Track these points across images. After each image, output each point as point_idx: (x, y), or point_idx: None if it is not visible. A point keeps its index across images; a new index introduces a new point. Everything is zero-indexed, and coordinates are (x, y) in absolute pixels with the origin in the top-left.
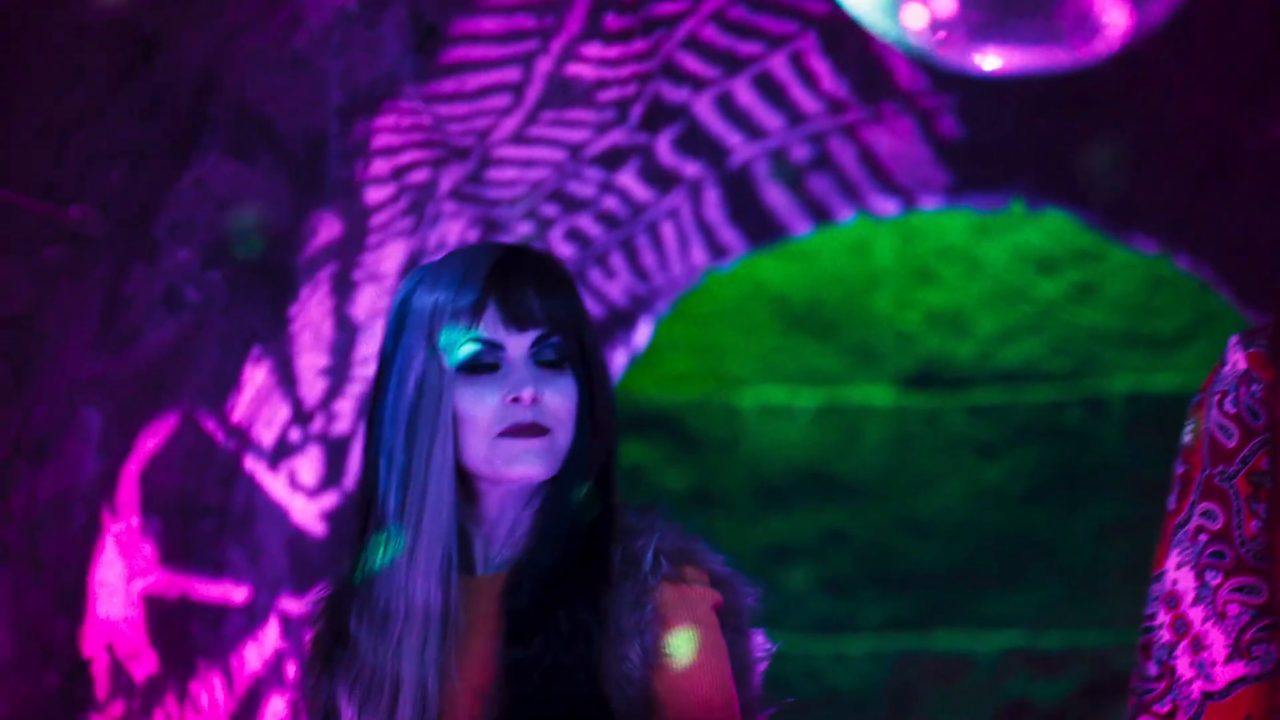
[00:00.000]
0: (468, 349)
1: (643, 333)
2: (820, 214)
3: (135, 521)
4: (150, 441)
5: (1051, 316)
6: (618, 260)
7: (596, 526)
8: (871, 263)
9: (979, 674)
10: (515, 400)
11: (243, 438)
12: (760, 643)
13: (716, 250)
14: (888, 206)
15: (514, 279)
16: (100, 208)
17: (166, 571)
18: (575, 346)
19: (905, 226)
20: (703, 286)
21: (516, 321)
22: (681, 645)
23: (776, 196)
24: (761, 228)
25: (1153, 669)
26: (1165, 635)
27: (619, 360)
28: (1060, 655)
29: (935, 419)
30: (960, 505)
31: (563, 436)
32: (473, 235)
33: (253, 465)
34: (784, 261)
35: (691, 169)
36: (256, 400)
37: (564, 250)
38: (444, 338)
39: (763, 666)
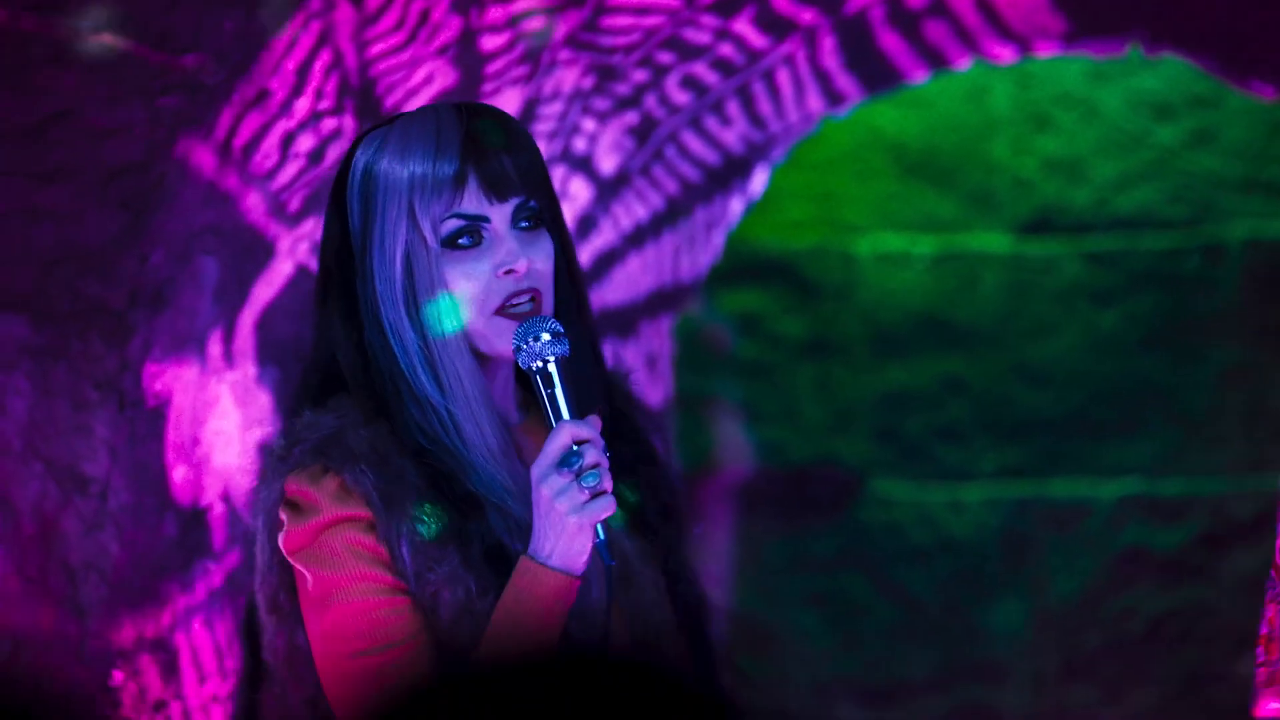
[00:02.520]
0: (452, 225)
1: (759, 180)
2: (937, 61)
3: (251, 370)
4: (266, 290)
5: (1168, 163)
6: (734, 108)
7: (600, 369)
8: (988, 109)
9: (1095, 521)
10: (509, 273)
11: None
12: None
13: (833, 97)
14: (1004, 53)
15: (488, 146)
16: (215, 56)
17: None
18: (545, 204)
19: (1022, 73)
20: (819, 133)
21: (498, 191)
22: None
23: (893, 43)
24: (878, 75)
25: None
26: None
27: (735, 208)
28: (1178, 502)
29: (1052, 266)
30: (1077, 352)
31: (548, 298)
32: (587, 83)
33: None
34: (901, 108)
35: (807, 15)
36: None
37: (679, 98)
38: (426, 213)
39: None
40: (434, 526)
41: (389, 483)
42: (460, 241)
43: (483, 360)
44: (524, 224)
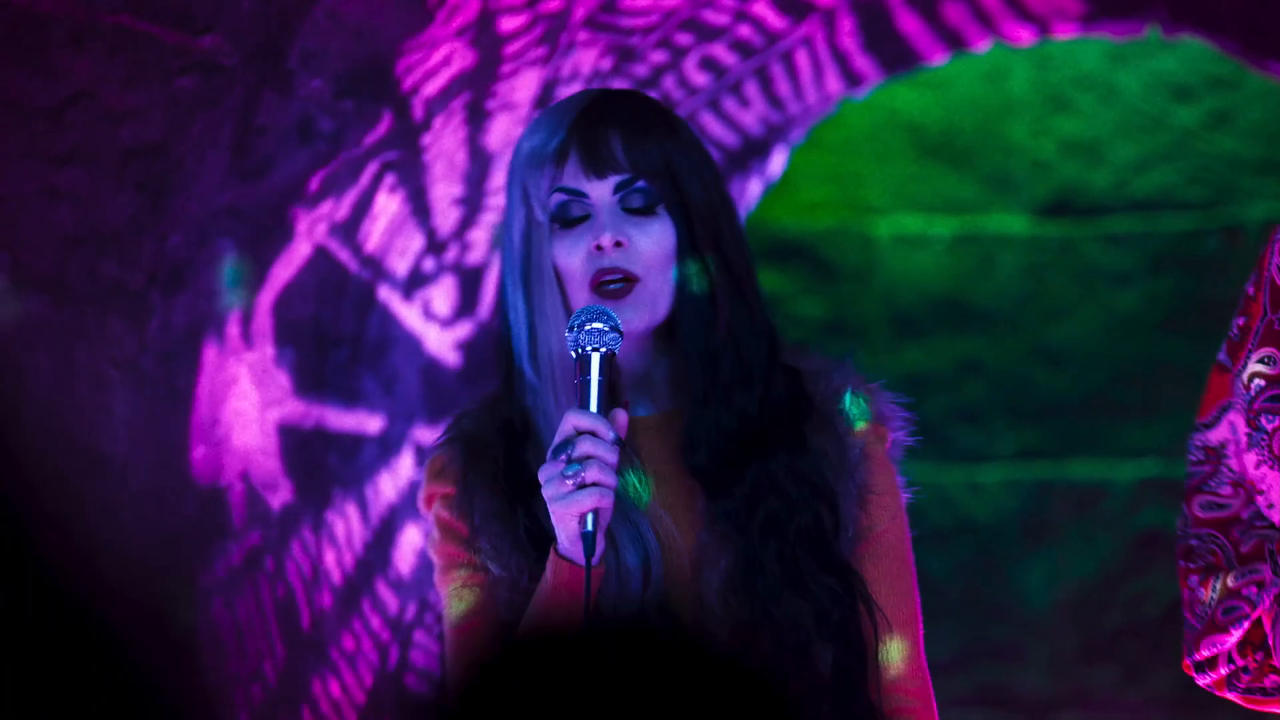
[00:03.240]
0: (556, 199)
1: (777, 161)
2: (956, 42)
3: (270, 351)
4: (284, 271)
5: (1187, 145)
6: (752, 89)
7: (766, 370)
8: (1007, 91)
9: (1114, 503)
10: (599, 248)
11: (376, 267)
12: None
13: (851, 79)
14: (1023, 34)
15: (598, 124)
16: (232, 37)
17: (301, 401)
18: (668, 188)
19: (1041, 55)
20: (837, 114)
21: (595, 168)
22: (882, 483)
23: (912, 24)
24: (897, 56)
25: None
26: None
27: (753, 189)
28: None
29: (1070, 248)
30: (1095, 334)
31: (656, 282)
32: (606, 64)
33: (386, 295)
34: (919, 90)
35: None
36: (390, 230)
37: (698, 79)
38: (535, 188)
39: (905, 495)
40: (502, 507)
41: (473, 461)
42: (567, 216)
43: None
44: (635, 204)
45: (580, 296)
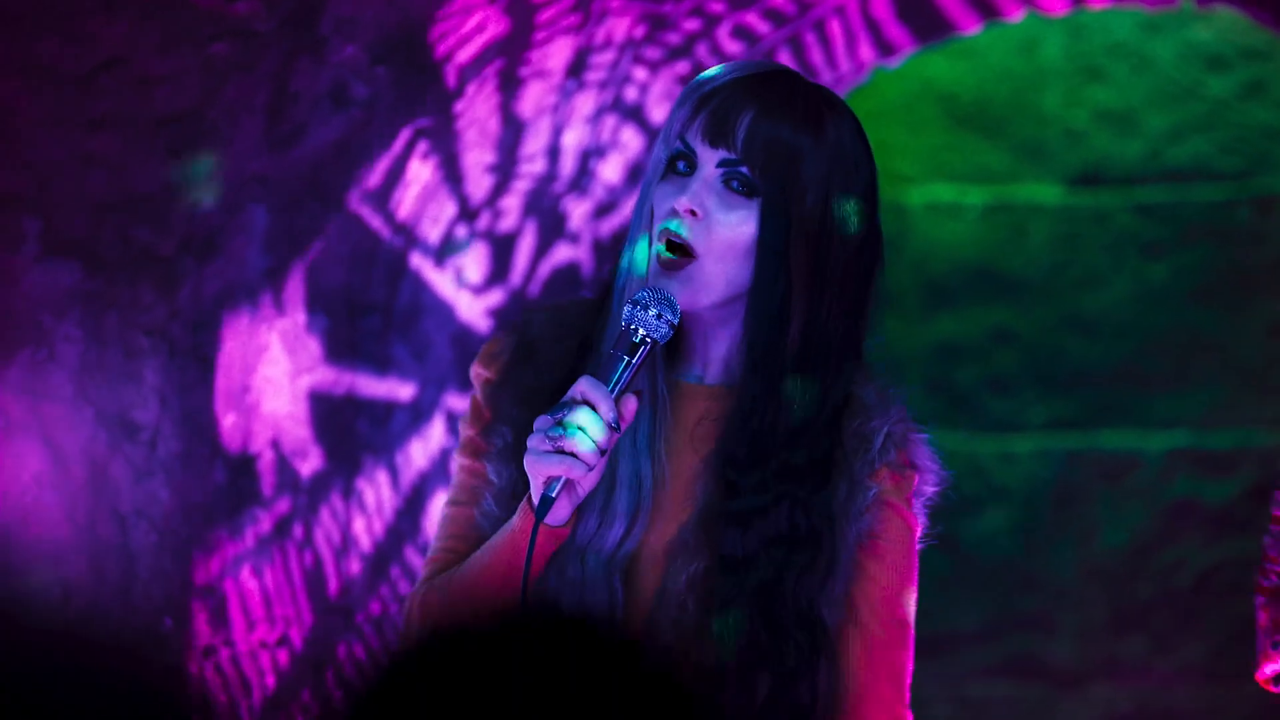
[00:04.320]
0: (674, 146)
1: None
2: (989, 12)
3: (301, 318)
4: (316, 238)
5: (1220, 115)
6: (785, 57)
7: (832, 393)
8: (1039, 61)
9: (1145, 473)
10: (674, 211)
11: (408, 235)
12: (923, 524)
13: (884, 48)
14: (1056, 4)
15: (740, 95)
16: (266, 3)
17: (332, 368)
18: (772, 185)
19: (1074, 24)
20: (870, 84)
21: (710, 136)
22: (890, 533)
23: None
24: (930, 25)
25: None
26: None
27: None
28: (1228, 454)
29: (1103, 217)
30: (1127, 304)
31: (714, 266)
32: (639, 32)
33: (418, 262)
34: (952, 59)
35: None
36: (422, 197)
37: (731, 47)
38: (668, 135)
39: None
40: (523, 417)
41: (520, 360)
42: (675, 167)
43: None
44: (734, 185)
45: (652, 245)
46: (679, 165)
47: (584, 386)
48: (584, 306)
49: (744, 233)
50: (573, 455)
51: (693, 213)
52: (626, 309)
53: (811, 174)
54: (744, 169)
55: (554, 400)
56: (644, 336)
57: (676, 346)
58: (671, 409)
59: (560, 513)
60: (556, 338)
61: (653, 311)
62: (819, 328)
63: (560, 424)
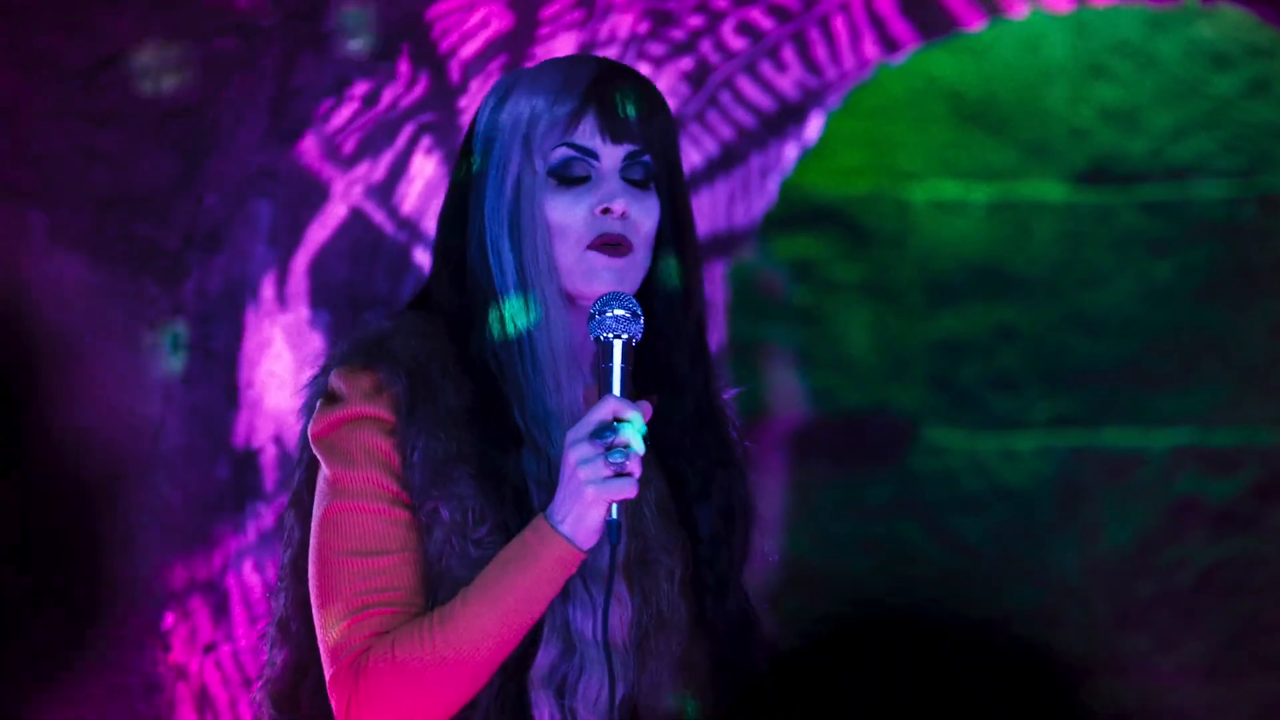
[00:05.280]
0: (561, 153)
1: (814, 126)
2: (994, 8)
3: (305, 313)
4: (320, 233)
5: (1224, 113)
6: (789, 53)
7: (712, 365)
8: (1045, 58)
9: (1149, 471)
10: (605, 211)
11: (412, 230)
12: None
13: (889, 44)
14: (1062, 1)
15: (615, 91)
16: None
17: None
18: (663, 170)
19: (1078, 21)
20: (875, 80)
21: (612, 132)
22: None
23: None
24: (934, 22)
25: None
26: None
27: (790, 154)
28: (1231, 452)
29: (1107, 215)
30: (1131, 301)
31: (643, 256)
32: (643, 28)
33: (422, 257)
34: (956, 56)
35: None
36: (426, 192)
37: (735, 43)
38: (539, 142)
39: None
40: (452, 448)
41: (420, 393)
42: (568, 174)
43: (571, 301)
44: (635, 176)
45: (572, 254)
46: (573, 171)
47: (615, 406)
48: (426, 320)
49: (653, 223)
50: (629, 475)
51: (625, 213)
52: (591, 325)
53: (679, 158)
54: (646, 158)
55: (467, 422)
56: (628, 340)
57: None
58: (591, 403)
59: (596, 535)
60: (429, 357)
61: (617, 312)
62: (703, 306)
63: (612, 448)
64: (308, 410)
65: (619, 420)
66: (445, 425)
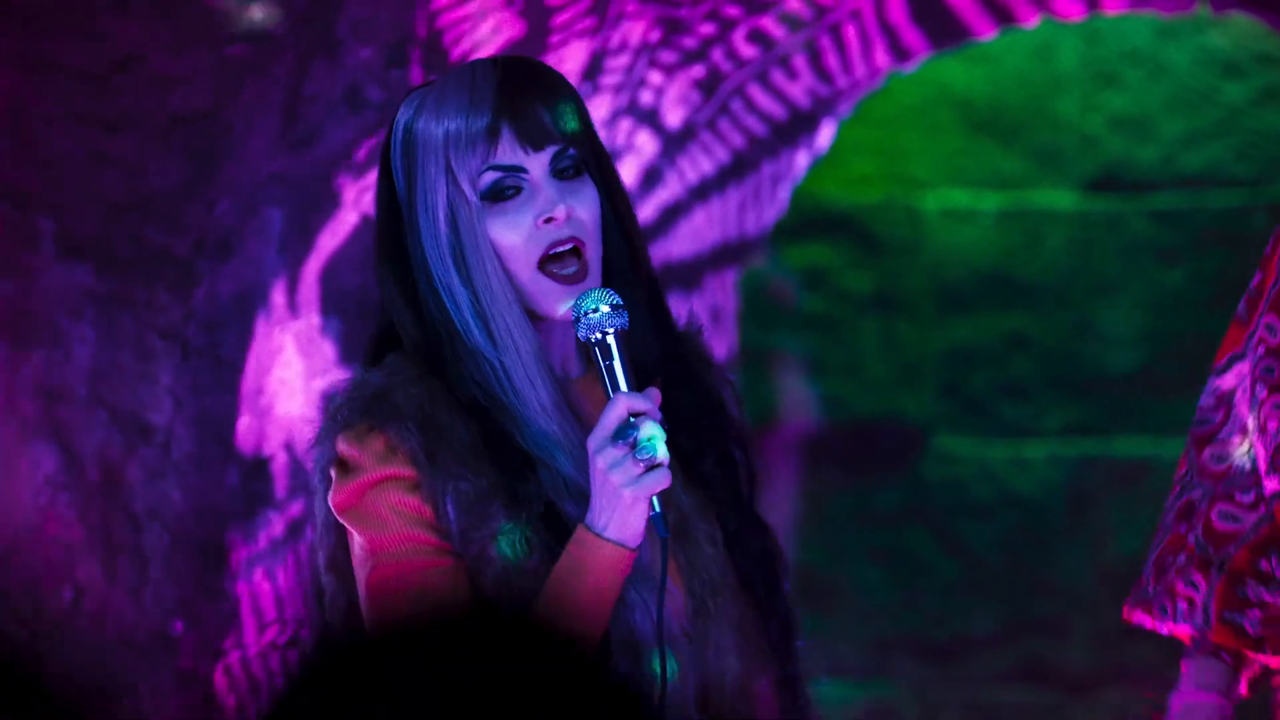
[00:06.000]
0: (489, 177)
1: (825, 134)
2: (1005, 17)
3: (315, 320)
4: (331, 240)
5: (1235, 121)
6: (800, 62)
7: (670, 319)
8: (1055, 66)
9: (1159, 479)
10: (548, 221)
11: None
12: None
13: (900, 53)
14: (1073, 10)
15: (521, 96)
16: (282, 5)
17: (346, 371)
18: (588, 152)
19: (1089, 30)
20: (885, 89)
21: (532, 141)
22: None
23: None
24: (945, 30)
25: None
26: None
27: (801, 162)
28: None
29: (1118, 223)
30: (1142, 310)
31: (593, 247)
32: (654, 36)
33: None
34: (967, 64)
35: None
36: None
37: (747, 51)
38: (463, 168)
39: None
40: (482, 484)
41: (434, 440)
42: (500, 194)
43: (535, 316)
44: (566, 172)
45: (524, 274)
46: (505, 190)
47: (626, 402)
48: (412, 362)
49: (595, 208)
50: (659, 465)
51: (568, 214)
52: (579, 329)
53: (593, 128)
54: (571, 150)
55: (478, 452)
56: (614, 333)
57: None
58: (578, 410)
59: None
60: (431, 401)
61: (601, 311)
62: (650, 265)
63: (637, 444)
64: (323, 479)
65: (635, 415)
66: (466, 463)
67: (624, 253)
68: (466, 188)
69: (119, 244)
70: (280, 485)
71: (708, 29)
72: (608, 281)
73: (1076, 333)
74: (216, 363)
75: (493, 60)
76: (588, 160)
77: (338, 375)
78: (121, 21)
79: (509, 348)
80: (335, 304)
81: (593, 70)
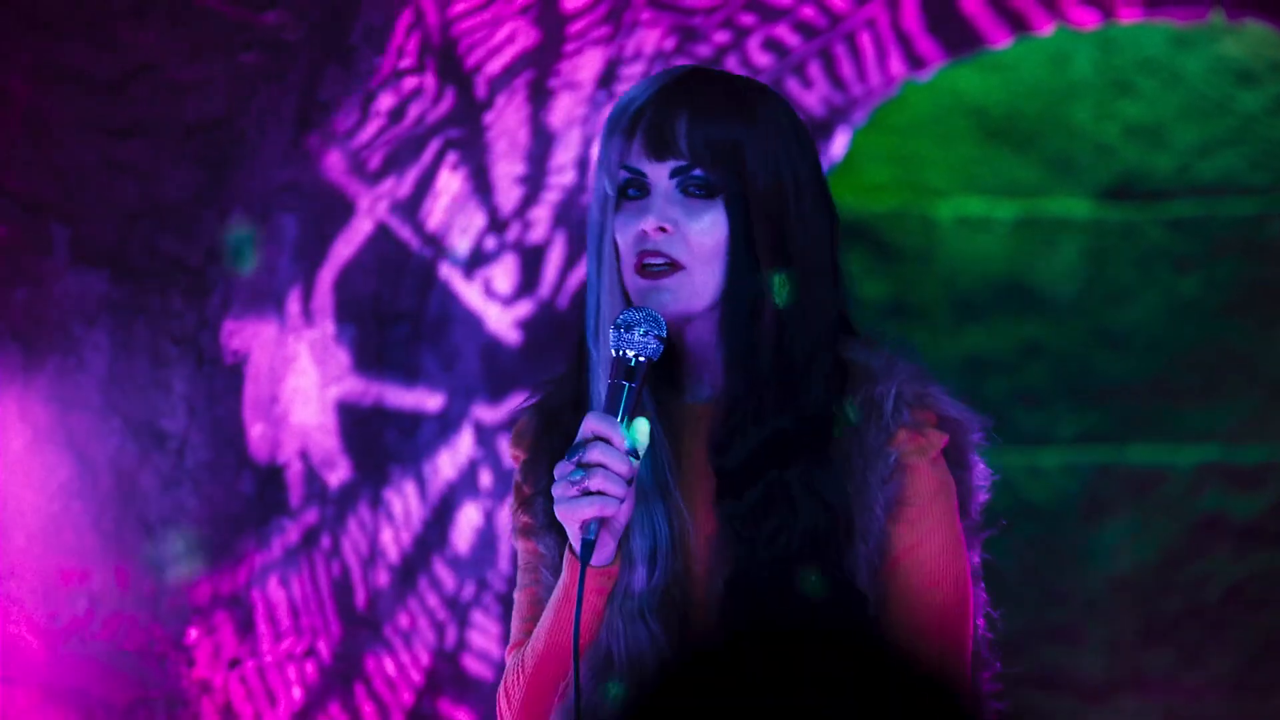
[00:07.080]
0: (620, 175)
1: (840, 143)
2: (1019, 25)
3: (329, 328)
4: (345, 248)
5: (1250, 129)
6: (815, 70)
7: (817, 372)
8: (1070, 75)
9: (1174, 488)
10: (644, 232)
11: (437, 245)
12: (982, 472)
13: (914, 61)
14: (1087, 18)
15: (667, 105)
16: (295, 12)
17: (360, 378)
18: (728, 179)
19: (1104, 38)
20: (900, 97)
21: (655, 150)
22: (921, 495)
23: (976, 7)
24: (960, 39)
25: None
26: None
27: None
28: (1257, 469)
29: (1133, 231)
30: (1157, 318)
31: (702, 272)
32: (669, 44)
33: (447, 273)
34: (982, 73)
35: None
36: (452, 208)
37: (761, 60)
38: (608, 162)
39: (983, 497)
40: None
41: (546, 430)
42: (625, 192)
43: None
44: (693, 190)
45: (628, 276)
46: (630, 192)
47: (591, 423)
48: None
49: (717, 234)
50: (600, 493)
51: (663, 229)
52: (613, 334)
53: (757, 157)
54: (697, 171)
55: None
56: (635, 357)
57: (677, 369)
58: (681, 434)
59: (605, 552)
60: (564, 397)
61: (640, 330)
62: (797, 310)
63: (580, 465)
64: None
65: (598, 437)
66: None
67: (750, 293)
68: (606, 180)
69: (133, 251)
70: (295, 493)
71: (722, 37)
72: (729, 319)
73: (1091, 341)
74: (231, 371)
75: (679, 66)
76: (727, 185)
77: (352, 383)
78: (136, 30)
79: (606, 355)
80: (349, 312)
81: (607, 78)
